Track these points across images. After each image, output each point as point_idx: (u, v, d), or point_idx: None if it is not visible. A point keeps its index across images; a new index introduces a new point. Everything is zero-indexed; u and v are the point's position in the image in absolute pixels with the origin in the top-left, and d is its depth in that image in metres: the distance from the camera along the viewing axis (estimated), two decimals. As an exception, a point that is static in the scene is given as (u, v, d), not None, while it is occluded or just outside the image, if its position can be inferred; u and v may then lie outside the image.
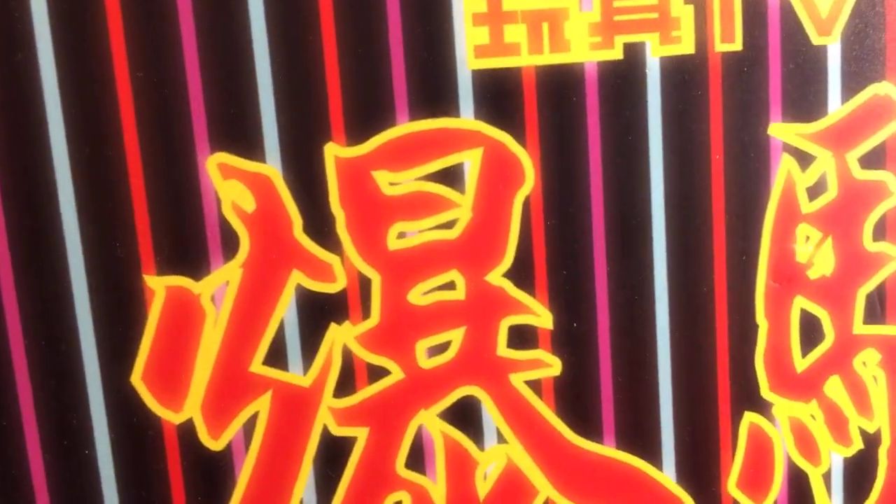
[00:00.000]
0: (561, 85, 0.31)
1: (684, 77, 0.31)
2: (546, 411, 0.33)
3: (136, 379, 0.30)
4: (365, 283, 0.31)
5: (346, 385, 0.31)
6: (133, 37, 0.28)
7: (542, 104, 0.31)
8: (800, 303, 0.34)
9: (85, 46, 0.28)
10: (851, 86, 0.33)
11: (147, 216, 0.29)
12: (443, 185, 0.31)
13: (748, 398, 0.34)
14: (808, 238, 0.34)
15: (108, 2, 0.28)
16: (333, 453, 0.32)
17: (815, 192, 0.33)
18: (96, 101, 0.28)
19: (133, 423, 0.30)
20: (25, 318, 0.29)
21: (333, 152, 0.30)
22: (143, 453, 0.31)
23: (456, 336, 0.32)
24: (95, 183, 0.29)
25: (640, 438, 0.34)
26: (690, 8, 0.31)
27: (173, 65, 0.28)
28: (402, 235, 0.31)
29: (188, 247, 0.30)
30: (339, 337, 0.31)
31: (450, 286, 0.31)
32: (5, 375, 0.30)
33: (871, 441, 0.36)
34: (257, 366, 0.31)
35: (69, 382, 0.30)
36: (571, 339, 0.32)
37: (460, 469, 0.33)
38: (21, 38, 0.28)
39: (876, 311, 0.35)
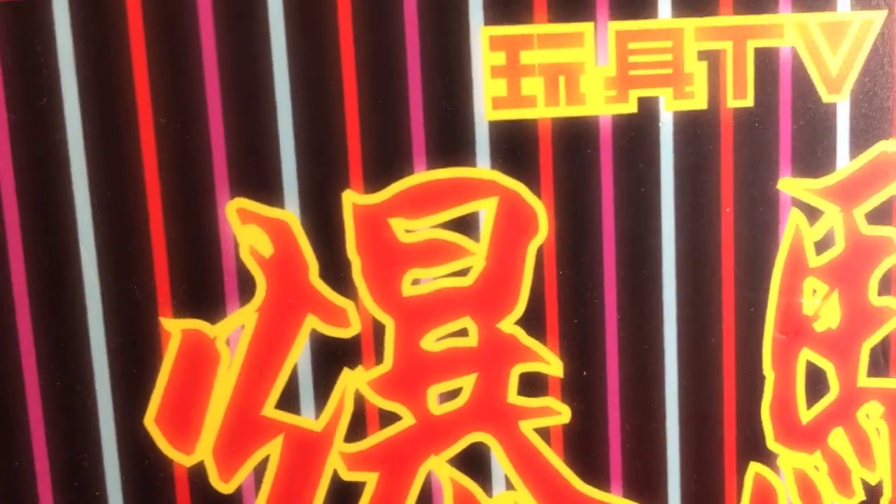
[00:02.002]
0: (576, 137, 0.31)
1: (697, 131, 0.32)
2: (554, 459, 0.33)
3: (150, 421, 0.30)
4: (379, 329, 0.31)
5: (357, 430, 0.31)
6: (157, 83, 0.28)
7: (558, 155, 0.31)
8: (806, 355, 0.34)
9: (109, 91, 0.28)
10: (860, 143, 0.33)
11: (165, 259, 0.29)
12: (458, 234, 0.31)
13: (754, 448, 0.34)
14: (815, 291, 0.34)
15: (134, 47, 0.28)
16: (343, 498, 0.31)
17: (822, 246, 0.33)
18: (119, 146, 0.28)
19: (144, 465, 0.30)
20: (41, 356, 0.29)
21: (351, 199, 0.30)
22: (153, 495, 0.30)
23: (467, 383, 0.32)
24: (115, 225, 0.29)
25: (647, 487, 0.33)
26: (704, 64, 0.31)
27: (196, 111, 0.29)
28: (416, 282, 0.31)
29: (205, 290, 0.30)
30: (352, 382, 0.31)
31: (462, 333, 0.31)
32: (19, 413, 0.29)
33: (873, 493, 0.36)
34: (270, 410, 0.30)
35: (82, 422, 0.30)
36: (581, 388, 0.32)
37: (468, 515, 0.32)
38: (46, 82, 0.28)
39: (880, 364, 0.35)
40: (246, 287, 0.30)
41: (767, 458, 0.34)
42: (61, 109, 0.28)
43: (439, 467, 0.32)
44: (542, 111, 0.30)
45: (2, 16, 0.28)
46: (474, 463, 0.32)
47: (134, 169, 0.29)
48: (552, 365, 0.32)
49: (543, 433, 0.32)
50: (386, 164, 0.30)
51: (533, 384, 0.32)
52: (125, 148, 0.29)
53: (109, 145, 0.28)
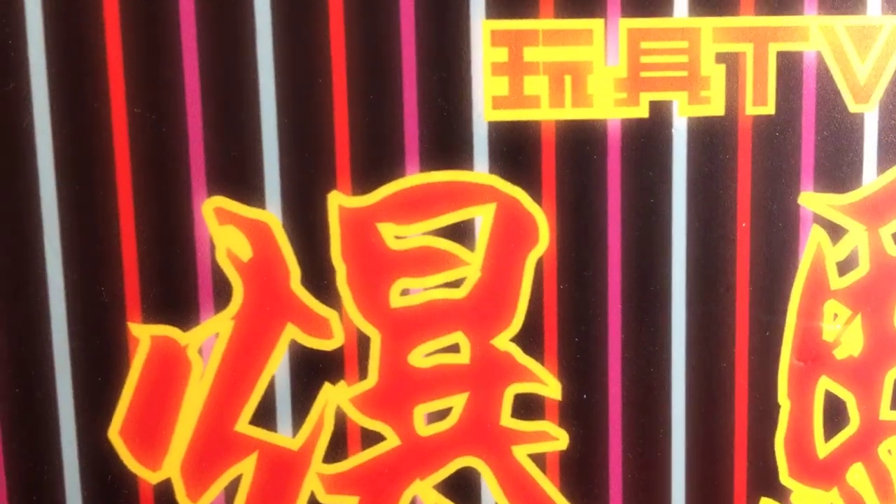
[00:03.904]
0: (581, 141, 0.30)
1: (712, 139, 0.31)
2: (550, 487, 0.32)
3: (114, 433, 0.29)
4: (363, 342, 0.30)
5: (337, 450, 0.30)
6: (132, 69, 0.28)
7: (561, 161, 0.30)
8: (825, 384, 0.33)
9: (80, 77, 0.27)
10: (888, 157, 0.32)
11: (135, 260, 0.28)
12: (452, 242, 0.30)
13: (766, 483, 0.33)
14: (836, 315, 0.33)
15: (108, 29, 0.27)
16: (320, 522, 0.31)
17: (845, 267, 0.32)
18: (89, 136, 0.28)
19: (107, 480, 0.29)
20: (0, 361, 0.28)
21: (337, 201, 0.29)
22: (116, 513, 0.30)
23: (457, 402, 0.31)
24: (83, 222, 0.28)
25: (649, 521, 0.32)
26: (722, 67, 0.30)
27: (173, 101, 0.28)
28: (405, 293, 0.30)
29: (177, 294, 0.29)
30: (333, 398, 0.30)
31: (454, 349, 0.30)
32: (-26, 421, 0.29)
33: (895, 533, 0.34)
34: (243, 425, 0.30)
35: (42, 433, 0.29)
36: (580, 412, 0.31)
37: (455, 545, 0.31)
38: (14, 66, 0.27)
39: (905, 395, 0.33)
40: (221, 293, 0.29)
41: (780, 493, 0.33)
42: (29, 95, 0.27)
43: (425, 493, 0.31)
44: (546, 112, 0.29)
45: (-32, -6, 0.27)
46: (463, 489, 0.31)
47: (105, 162, 0.28)
48: (549, 386, 0.31)
49: (538, 459, 0.31)
50: (376, 164, 0.29)
51: (528, 406, 0.31)
52: (96, 139, 0.28)
53: (79, 135, 0.28)
